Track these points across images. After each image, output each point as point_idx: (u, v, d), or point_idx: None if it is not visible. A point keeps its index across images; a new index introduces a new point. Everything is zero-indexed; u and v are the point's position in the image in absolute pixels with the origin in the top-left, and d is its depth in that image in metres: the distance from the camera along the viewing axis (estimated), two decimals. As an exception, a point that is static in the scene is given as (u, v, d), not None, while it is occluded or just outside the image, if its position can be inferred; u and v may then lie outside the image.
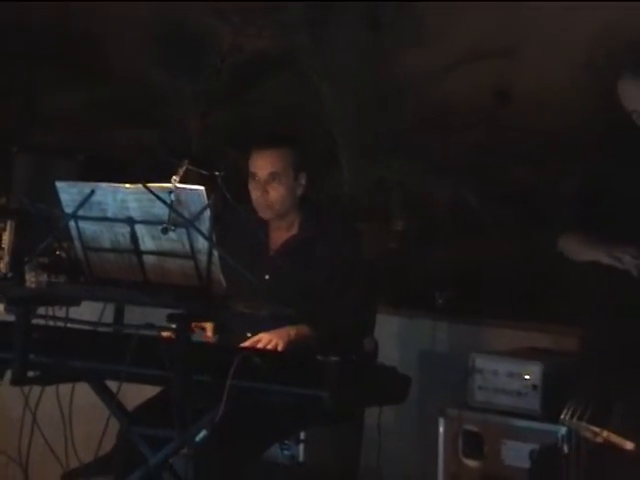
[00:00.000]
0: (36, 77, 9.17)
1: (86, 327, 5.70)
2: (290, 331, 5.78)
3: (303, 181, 6.13)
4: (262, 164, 6.09)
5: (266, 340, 5.74)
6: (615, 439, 5.25)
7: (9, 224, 6.49)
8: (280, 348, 5.68)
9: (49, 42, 9.55)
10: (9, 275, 6.17)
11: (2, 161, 7.06)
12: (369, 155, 7.76)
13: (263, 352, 5.58)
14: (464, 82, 8.50)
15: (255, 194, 6.08)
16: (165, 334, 5.55)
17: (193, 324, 5.56)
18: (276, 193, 6.07)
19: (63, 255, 5.86)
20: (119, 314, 5.79)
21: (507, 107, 8.51)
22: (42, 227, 5.97)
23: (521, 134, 8.21)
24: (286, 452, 6.03)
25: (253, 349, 5.62)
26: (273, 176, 6.06)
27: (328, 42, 8.44)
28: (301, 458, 6.09)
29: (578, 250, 5.64)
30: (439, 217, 7.39)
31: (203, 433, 5.51)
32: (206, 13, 8.97)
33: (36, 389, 5.86)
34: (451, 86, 8.48)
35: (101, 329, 5.68)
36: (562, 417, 5.41)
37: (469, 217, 7.43)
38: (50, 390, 6.09)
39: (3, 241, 6.49)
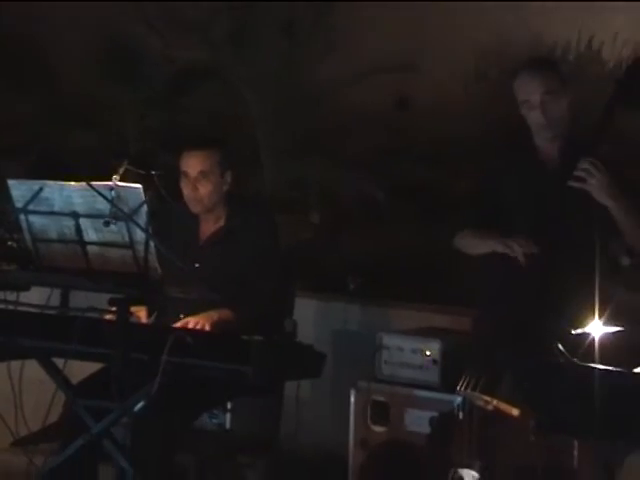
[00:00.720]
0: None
1: (35, 310, 5.68)
2: (215, 314, 5.75)
3: (229, 178, 6.11)
4: (192, 164, 6.07)
5: (194, 322, 5.71)
6: (503, 407, 5.26)
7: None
8: (207, 329, 5.64)
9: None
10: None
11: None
12: (288, 155, 7.73)
13: (193, 332, 5.53)
14: (371, 91, 8.51)
15: (186, 190, 6.08)
16: (108, 317, 5.54)
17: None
18: (205, 189, 6.05)
19: (14, 245, 5.83)
20: (64, 298, 5.68)
21: (408, 113, 8.52)
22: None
23: (421, 138, 8.21)
24: (214, 420, 5.99)
25: (184, 329, 5.59)
26: (202, 174, 6.05)
27: (249, 53, 8.42)
28: (227, 426, 6.02)
29: (475, 244, 5.66)
30: (350, 211, 7.37)
31: (140, 404, 5.47)
32: (141, 27, 8.92)
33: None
34: (359, 94, 8.49)
35: (48, 312, 5.63)
36: (458, 388, 5.44)
37: (376, 211, 7.43)
38: (1, 366, 6.03)
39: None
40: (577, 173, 5.27)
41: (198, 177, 6.04)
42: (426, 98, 8.56)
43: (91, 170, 5.80)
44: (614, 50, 8.32)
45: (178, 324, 5.71)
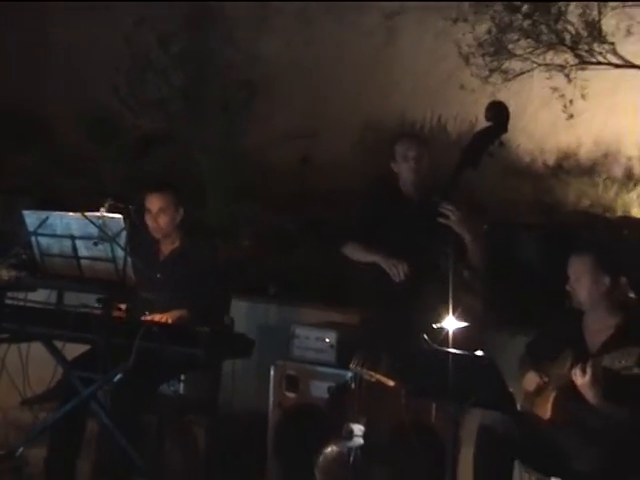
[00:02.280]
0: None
1: (39, 305, 5.73)
2: (176, 313, 5.79)
3: (181, 212, 6.14)
4: (154, 202, 6.11)
5: (158, 317, 5.74)
6: (383, 379, 5.30)
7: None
8: (169, 322, 5.69)
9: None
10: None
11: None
12: (226, 197, 7.76)
13: (158, 324, 5.60)
14: (283, 152, 8.58)
15: (149, 222, 6.12)
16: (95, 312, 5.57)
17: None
18: (163, 221, 6.11)
19: (26, 258, 5.85)
20: (60, 297, 5.72)
21: (310, 167, 8.57)
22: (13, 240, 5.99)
23: (320, 185, 8.27)
24: (172, 388, 5.98)
25: (152, 322, 5.64)
26: (161, 210, 6.10)
27: (198, 124, 8.46)
28: (181, 391, 6.06)
29: (361, 254, 5.65)
30: (271, 238, 7.41)
31: (118, 376, 5.54)
32: (116, 104, 8.96)
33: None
34: (275, 154, 8.55)
35: (49, 307, 5.67)
36: (350, 366, 5.50)
37: (289, 238, 7.46)
38: (13, 347, 6.06)
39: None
40: (443, 211, 5.33)
41: (158, 212, 6.08)
42: (324, 157, 8.64)
43: (82, 205, 5.88)
44: (455, 125, 8.49)
45: (148, 318, 5.73)
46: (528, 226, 6.34)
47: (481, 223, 5.85)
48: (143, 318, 5.74)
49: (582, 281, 5.13)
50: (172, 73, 9.17)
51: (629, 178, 8.28)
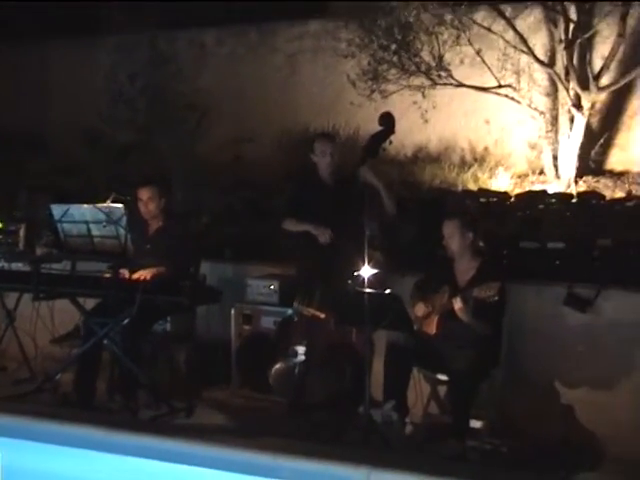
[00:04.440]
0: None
1: (64, 272, 5.56)
2: (152, 269, 5.54)
3: (163, 200, 5.89)
4: (144, 193, 5.86)
5: (140, 274, 5.50)
6: (316, 313, 5.25)
7: (23, 226, 6.25)
8: (148, 278, 5.45)
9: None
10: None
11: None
12: (188, 188, 7.56)
13: (153, 282, 5.39)
14: (225, 153, 8.41)
15: (141, 208, 5.86)
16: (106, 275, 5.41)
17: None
18: (151, 207, 5.86)
19: (53, 238, 5.70)
20: (74, 266, 5.51)
21: (243, 164, 8.44)
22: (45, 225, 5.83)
23: (252, 176, 8.14)
24: (161, 326, 5.82)
25: (146, 279, 5.43)
26: (149, 199, 5.85)
27: (166, 135, 8.27)
28: (168, 328, 5.86)
29: (296, 226, 5.47)
30: (222, 214, 7.24)
31: (126, 320, 5.37)
32: (99, 122, 8.70)
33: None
34: (220, 155, 8.37)
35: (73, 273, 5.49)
36: (293, 304, 5.40)
37: (235, 213, 7.31)
38: (43, 303, 5.89)
39: (20, 234, 6.27)
40: (361, 172, 5.13)
41: (147, 201, 5.83)
42: (251, 156, 8.51)
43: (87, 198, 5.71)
44: (346, 131, 8.44)
45: (135, 275, 5.50)
46: (406, 199, 6.25)
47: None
48: (139, 277, 5.49)
49: (454, 237, 5.12)
50: (138, 101, 8.93)
51: (464, 163, 8.33)
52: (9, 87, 10.10)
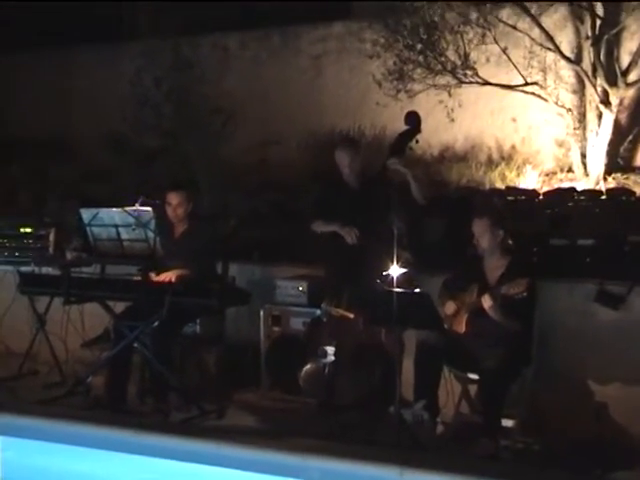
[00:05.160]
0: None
1: (94, 276, 5.63)
2: (176, 271, 5.60)
3: (190, 204, 5.93)
4: (172, 198, 5.89)
5: (167, 275, 5.56)
6: (344, 313, 5.25)
7: (52, 230, 6.31)
8: (173, 280, 5.51)
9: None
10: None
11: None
12: (216, 192, 7.58)
13: (182, 284, 5.44)
14: (251, 156, 8.43)
15: (170, 212, 5.88)
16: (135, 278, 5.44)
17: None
18: (180, 211, 5.89)
19: (83, 242, 5.75)
20: (103, 269, 5.63)
21: (267, 166, 8.45)
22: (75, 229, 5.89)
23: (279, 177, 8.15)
24: (191, 328, 5.86)
25: (175, 282, 5.48)
26: (178, 203, 5.88)
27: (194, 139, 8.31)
28: (198, 331, 5.91)
29: (323, 227, 5.48)
30: (249, 217, 7.26)
31: (156, 322, 5.41)
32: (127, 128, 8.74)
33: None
34: (246, 158, 8.38)
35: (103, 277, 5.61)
36: (322, 305, 5.40)
37: (262, 216, 7.34)
38: (74, 307, 5.94)
39: (50, 238, 6.33)
40: (391, 165, 5.16)
41: (176, 206, 5.86)
42: (277, 158, 8.54)
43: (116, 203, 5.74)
44: (374, 130, 8.45)
45: (159, 277, 5.57)
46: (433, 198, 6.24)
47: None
48: (166, 278, 5.55)
49: (484, 235, 5.11)
50: (163, 105, 8.96)
51: (491, 162, 8.30)
52: (38, 95, 10.21)
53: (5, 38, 9.82)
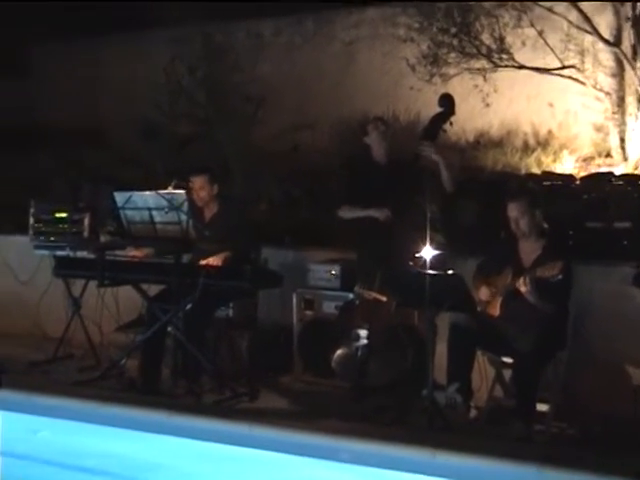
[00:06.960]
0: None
1: (128, 259, 5.69)
2: (221, 254, 5.65)
3: (216, 188, 5.95)
4: (196, 181, 5.91)
5: (212, 259, 5.61)
6: (377, 296, 5.28)
7: (87, 215, 6.39)
8: (217, 263, 5.57)
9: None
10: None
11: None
12: (247, 176, 7.62)
13: (214, 266, 5.50)
14: (283, 142, 8.45)
15: (196, 195, 5.89)
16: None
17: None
18: (202, 194, 5.91)
19: (117, 226, 5.80)
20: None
21: (300, 153, 8.45)
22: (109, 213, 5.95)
23: (308, 164, 8.16)
24: (224, 312, 5.89)
25: (209, 265, 5.53)
26: (201, 187, 5.91)
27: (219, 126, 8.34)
28: (231, 314, 5.94)
29: (353, 212, 5.50)
30: (280, 203, 7.28)
31: (189, 305, 5.45)
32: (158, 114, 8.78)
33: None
34: (278, 144, 8.40)
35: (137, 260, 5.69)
36: (355, 289, 5.44)
37: (292, 202, 7.36)
38: (108, 290, 6.01)
39: (85, 222, 6.41)
40: (422, 148, 5.16)
41: (198, 189, 5.89)
42: (313, 144, 8.54)
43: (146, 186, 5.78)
44: (406, 116, 8.42)
45: (204, 262, 5.60)
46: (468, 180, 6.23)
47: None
48: (202, 262, 5.60)
49: (521, 218, 5.08)
50: (197, 92, 9.01)
51: (527, 147, 8.24)
52: (73, 83, 10.34)
53: (39, 27, 9.95)
